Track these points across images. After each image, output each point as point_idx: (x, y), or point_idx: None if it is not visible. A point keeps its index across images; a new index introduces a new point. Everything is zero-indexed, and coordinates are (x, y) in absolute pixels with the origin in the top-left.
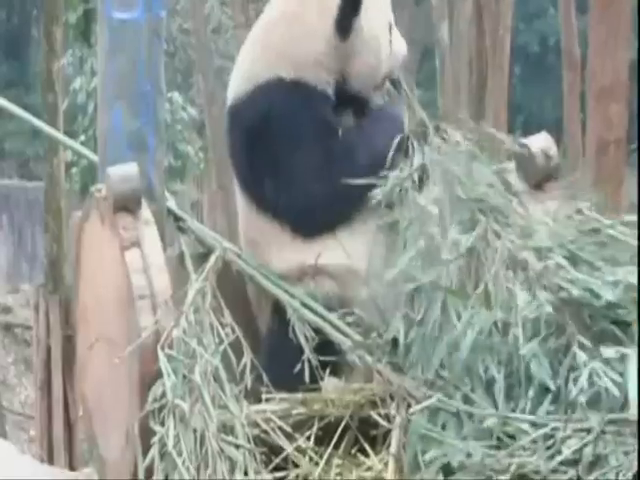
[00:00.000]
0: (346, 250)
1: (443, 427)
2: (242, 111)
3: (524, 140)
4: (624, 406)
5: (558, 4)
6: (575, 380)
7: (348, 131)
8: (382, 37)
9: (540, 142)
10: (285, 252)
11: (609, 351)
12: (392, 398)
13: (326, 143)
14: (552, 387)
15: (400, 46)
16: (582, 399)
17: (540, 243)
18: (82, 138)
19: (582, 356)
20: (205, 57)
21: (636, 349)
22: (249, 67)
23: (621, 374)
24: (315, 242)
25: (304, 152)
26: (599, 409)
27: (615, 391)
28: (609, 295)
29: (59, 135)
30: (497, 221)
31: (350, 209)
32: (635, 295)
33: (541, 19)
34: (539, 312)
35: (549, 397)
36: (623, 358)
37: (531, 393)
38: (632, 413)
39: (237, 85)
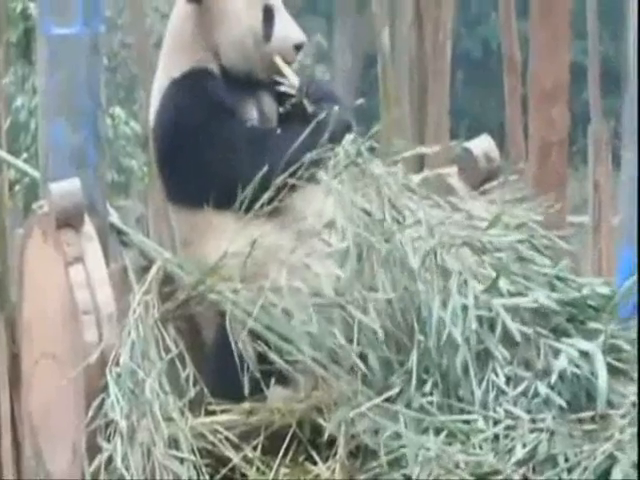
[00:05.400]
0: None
1: (406, 425)
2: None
3: (466, 143)
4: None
5: (498, 8)
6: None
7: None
8: (247, 12)
9: (482, 145)
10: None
11: (577, 345)
12: (337, 405)
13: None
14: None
15: (291, 31)
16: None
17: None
18: (24, 156)
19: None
20: (147, 72)
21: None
22: None
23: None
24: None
25: (203, 137)
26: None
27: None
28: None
29: (2, 153)
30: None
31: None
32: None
33: (483, 24)
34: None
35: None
36: (587, 354)
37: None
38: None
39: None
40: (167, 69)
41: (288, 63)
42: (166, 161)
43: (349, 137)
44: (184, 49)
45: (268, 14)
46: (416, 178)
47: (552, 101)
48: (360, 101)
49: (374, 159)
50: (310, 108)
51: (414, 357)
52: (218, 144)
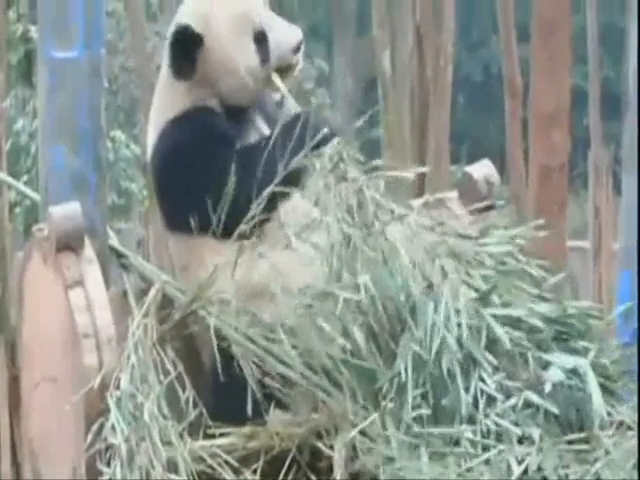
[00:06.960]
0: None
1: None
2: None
3: (467, 168)
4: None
5: (499, 32)
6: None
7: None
8: (235, 49)
9: (482, 169)
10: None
11: (566, 361)
12: (336, 428)
13: (225, 154)
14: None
15: (286, 36)
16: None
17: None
18: (25, 178)
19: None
20: (148, 95)
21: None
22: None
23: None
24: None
25: (210, 166)
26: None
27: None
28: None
29: (2, 175)
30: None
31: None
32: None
33: (484, 48)
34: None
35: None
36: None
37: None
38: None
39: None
40: (164, 109)
41: (292, 69)
42: (163, 190)
43: (333, 142)
44: (180, 92)
45: (260, 38)
46: (417, 202)
47: (553, 125)
48: (360, 122)
49: (357, 165)
50: (292, 111)
51: (405, 364)
52: (213, 172)
